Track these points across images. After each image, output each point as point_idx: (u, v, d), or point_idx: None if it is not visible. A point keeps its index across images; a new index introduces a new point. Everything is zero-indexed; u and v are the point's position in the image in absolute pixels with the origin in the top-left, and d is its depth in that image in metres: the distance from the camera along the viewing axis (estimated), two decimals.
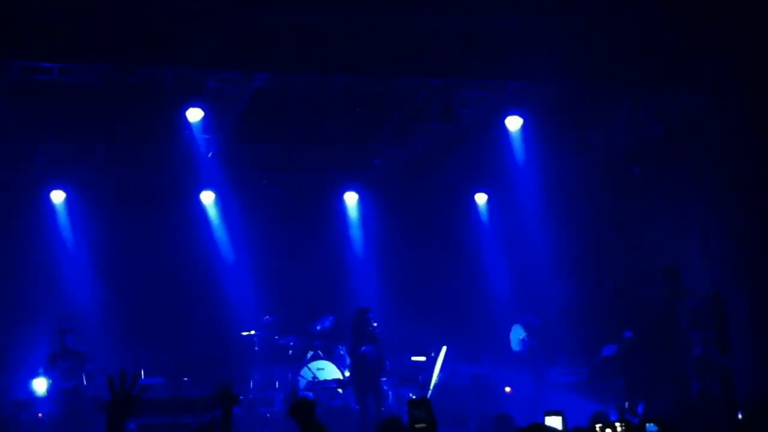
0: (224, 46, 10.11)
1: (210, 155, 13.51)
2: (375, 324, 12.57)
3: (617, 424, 6.52)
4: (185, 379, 12.08)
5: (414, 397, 12.53)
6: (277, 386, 13.16)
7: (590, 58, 10.95)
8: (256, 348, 13.49)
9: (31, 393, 12.22)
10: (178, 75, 11.05)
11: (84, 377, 12.21)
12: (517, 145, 13.64)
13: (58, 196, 13.82)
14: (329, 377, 13.10)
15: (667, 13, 10.69)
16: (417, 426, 4.54)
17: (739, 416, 8.82)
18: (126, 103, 11.57)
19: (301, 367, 13.18)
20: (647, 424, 6.40)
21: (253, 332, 13.61)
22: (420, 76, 11.35)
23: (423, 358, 13.43)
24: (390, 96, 12.18)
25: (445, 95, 11.96)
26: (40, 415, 11.76)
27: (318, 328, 13.74)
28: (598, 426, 6.48)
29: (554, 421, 6.32)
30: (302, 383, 13.04)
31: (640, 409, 11.37)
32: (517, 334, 13.58)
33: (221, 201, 14.65)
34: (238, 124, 12.59)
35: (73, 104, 11.66)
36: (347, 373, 13.00)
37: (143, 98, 11.50)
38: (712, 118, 11.60)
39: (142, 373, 12.15)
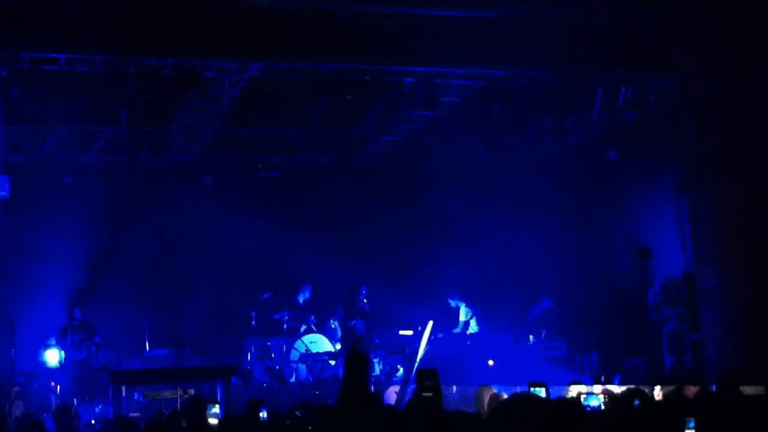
0: (219, 39, 10.54)
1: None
2: (365, 300, 13.17)
3: (600, 395, 6.65)
4: (187, 350, 12.56)
5: (402, 368, 13.16)
6: (272, 357, 13.66)
7: (567, 47, 11.17)
8: (254, 323, 13.86)
9: (43, 364, 12.67)
10: (176, 65, 11.22)
11: (93, 349, 12.78)
12: (499, 130, 14.08)
13: (67, 178, 13.98)
14: (321, 350, 13.53)
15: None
16: (425, 394, 4.52)
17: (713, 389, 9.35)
18: (127, 92, 11.76)
19: (295, 340, 13.58)
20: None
21: (250, 308, 13.93)
22: (404, 66, 11.63)
23: (410, 332, 13.58)
24: (378, 84, 12.36)
25: (430, 84, 12.05)
26: (53, 384, 12.14)
27: (301, 300, 14.14)
28: (582, 396, 6.58)
29: (538, 393, 6.10)
30: (295, 355, 13.49)
31: (616, 381, 11.51)
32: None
33: (220, 183, 14.89)
34: (234, 110, 12.81)
35: (79, 92, 11.88)
36: (338, 346, 13.46)
37: (144, 87, 11.72)
38: (682, 103, 11.80)
39: (147, 345, 12.77)
